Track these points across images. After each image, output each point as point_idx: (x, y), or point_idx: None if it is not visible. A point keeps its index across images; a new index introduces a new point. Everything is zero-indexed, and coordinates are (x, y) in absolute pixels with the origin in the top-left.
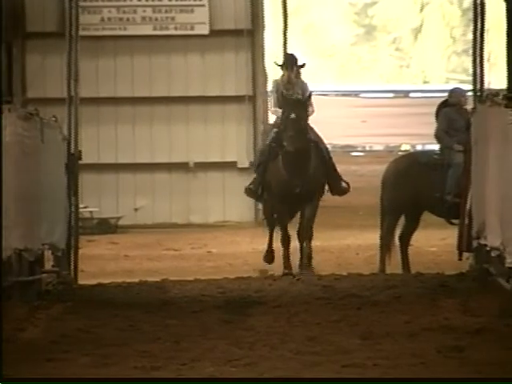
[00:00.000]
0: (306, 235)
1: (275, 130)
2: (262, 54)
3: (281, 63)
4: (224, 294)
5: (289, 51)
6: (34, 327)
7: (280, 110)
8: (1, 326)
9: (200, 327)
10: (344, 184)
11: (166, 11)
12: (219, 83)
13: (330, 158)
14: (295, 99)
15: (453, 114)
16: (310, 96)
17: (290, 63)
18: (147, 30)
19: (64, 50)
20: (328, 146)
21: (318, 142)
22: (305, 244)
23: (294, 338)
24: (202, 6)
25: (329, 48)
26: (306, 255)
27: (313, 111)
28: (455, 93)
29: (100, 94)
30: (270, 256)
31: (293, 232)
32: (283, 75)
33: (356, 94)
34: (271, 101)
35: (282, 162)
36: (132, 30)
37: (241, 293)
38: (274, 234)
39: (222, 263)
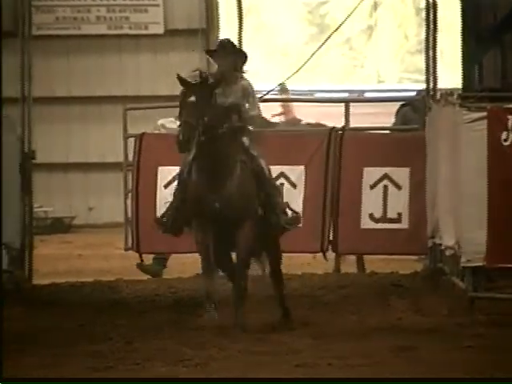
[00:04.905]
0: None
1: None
2: None
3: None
4: (175, 293)
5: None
6: None
7: None
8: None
9: (151, 327)
10: (286, 217)
11: (120, 11)
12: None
13: (274, 185)
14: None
15: (410, 113)
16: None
17: (225, 52)
18: (101, 29)
19: (17, 50)
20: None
21: (256, 158)
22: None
23: (243, 338)
24: (157, 5)
25: (282, 47)
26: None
27: (252, 118)
28: (418, 93)
29: (53, 94)
30: None
31: None
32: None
33: (311, 93)
34: None
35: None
36: (86, 30)
37: (192, 293)
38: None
39: (174, 262)
